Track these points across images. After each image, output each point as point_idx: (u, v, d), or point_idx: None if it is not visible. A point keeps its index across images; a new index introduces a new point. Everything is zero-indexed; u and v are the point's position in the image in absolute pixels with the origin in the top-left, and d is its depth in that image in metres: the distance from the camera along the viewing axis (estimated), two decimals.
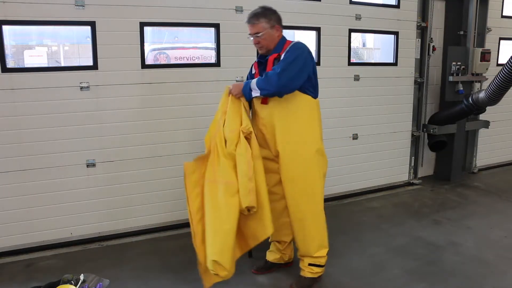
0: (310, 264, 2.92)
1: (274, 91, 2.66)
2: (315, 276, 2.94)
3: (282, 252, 3.13)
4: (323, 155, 2.87)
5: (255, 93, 2.71)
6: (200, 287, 2.97)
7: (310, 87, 2.79)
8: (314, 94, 2.82)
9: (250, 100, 2.80)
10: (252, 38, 2.80)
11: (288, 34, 4.43)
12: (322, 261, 2.93)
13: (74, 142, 3.47)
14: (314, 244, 2.88)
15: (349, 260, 3.34)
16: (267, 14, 2.77)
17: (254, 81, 2.73)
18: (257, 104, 2.84)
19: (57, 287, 2.38)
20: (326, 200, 3.21)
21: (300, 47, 2.75)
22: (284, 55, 2.71)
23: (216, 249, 2.53)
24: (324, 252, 2.92)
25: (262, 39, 2.76)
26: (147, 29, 3.66)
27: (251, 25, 2.77)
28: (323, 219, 2.91)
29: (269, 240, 3.13)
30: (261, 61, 2.87)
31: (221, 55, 3.89)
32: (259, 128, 2.86)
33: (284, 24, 4.14)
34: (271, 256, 3.18)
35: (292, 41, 2.83)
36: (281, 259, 3.16)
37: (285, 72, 2.62)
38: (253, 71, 2.94)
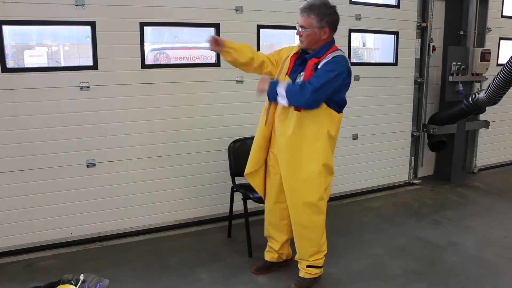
0: (308, 266, 2.91)
1: (304, 107, 2.54)
2: (314, 276, 2.94)
3: (278, 252, 3.13)
4: (329, 168, 2.77)
5: (282, 100, 2.55)
6: (199, 287, 2.98)
7: (339, 101, 2.69)
8: (339, 110, 2.72)
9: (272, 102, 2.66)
10: (297, 27, 2.62)
11: (288, 34, 4.45)
12: (320, 262, 2.92)
13: (74, 142, 3.46)
14: (310, 250, 2.87)
15: (349, 260, 3.34)
16: (321, 12, 2.55)
17: (283, 85, 2.54)
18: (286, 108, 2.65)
19: (57, 287, 2.37)
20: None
21: (342, 64, 2.57)
22: (323, 66, 2.55)
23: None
24: (319, 255, 2.91)
25: (305, 35, 2.58)
26: (147, 29, 3.65)
27: (301, 16, 2.58)
28: (322, 228, 2.86)
29: (264, 235, 3.15)
30: (300, 58, 2.68)
31: (221, 55, 3.88)
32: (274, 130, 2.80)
33: (283, 24, 4.12)
34: (269, 255, 3.17)
35: (337, 49, 2.65)
36: (279, 258, 3.16)
37: (321, 90, 2.48)
38: (286, 63, 2.73)
